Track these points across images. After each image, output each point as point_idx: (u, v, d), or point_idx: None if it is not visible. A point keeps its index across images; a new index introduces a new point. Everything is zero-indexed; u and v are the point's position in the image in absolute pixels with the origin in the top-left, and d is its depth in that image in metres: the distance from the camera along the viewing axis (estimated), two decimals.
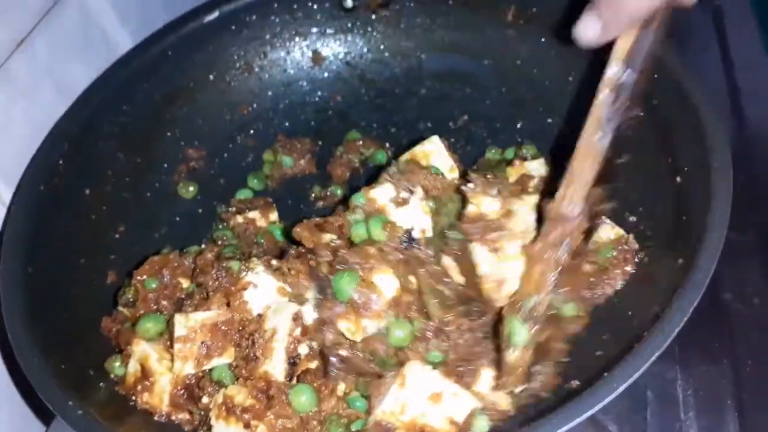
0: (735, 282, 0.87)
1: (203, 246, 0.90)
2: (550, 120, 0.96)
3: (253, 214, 0.96)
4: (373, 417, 0.67)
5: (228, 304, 0.73)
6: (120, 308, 0.82)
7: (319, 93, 1.11)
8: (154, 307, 0.80)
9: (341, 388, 0.68)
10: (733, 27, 1.17)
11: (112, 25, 1.04)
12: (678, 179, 0.75)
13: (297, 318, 0.70)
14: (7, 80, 0.84)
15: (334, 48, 1.11)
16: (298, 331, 0.69)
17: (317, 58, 1.11)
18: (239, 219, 0.96)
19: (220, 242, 0.91)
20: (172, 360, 0.71)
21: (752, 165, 0.98)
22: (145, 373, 0.71)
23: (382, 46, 1.09)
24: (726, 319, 0.85)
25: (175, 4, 1.07)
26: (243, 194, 1.02)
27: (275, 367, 0.69)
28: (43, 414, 0.89)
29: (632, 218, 0.80)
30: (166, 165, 1.00)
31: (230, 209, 0.99)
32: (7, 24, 0.86)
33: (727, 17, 1.19)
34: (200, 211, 1.00)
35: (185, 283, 0.82)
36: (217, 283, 0.74)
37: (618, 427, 0.77)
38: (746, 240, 0.91)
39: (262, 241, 0.91)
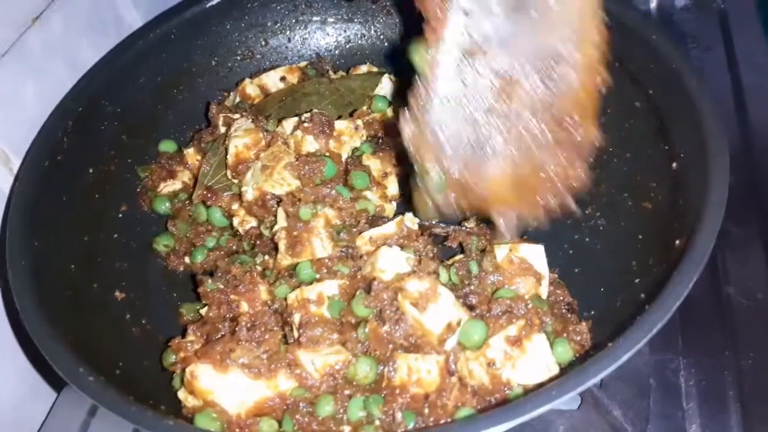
0: (738, 276, 0.94)
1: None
2: None
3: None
4: None
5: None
6: None
7: None
8: None
9: None
10: (738, 29, 1.26)
11: (126, 7, 1.12)
12: (674, 165, 0.82)
13: None
14: (21, 55, 0.91)
15: (335, 36, 1.19)
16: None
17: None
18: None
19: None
20: None
21: (755, 162, 1.06)
22: None
23: (382, 36, 1.18)
24: (729, 312, 0.92)
25: None
26: (166, 146, 1.05)
27: None
28: (53, 382, 0.96)
29: (629, 203, 0.88)
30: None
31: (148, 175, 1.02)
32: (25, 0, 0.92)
33: (732, 20, 1.28)
34: None
35: None
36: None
37: (622, 411, 0.83)
38: (749, 235, 0.98)
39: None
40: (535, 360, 0.74)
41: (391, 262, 0.80)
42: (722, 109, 1.14)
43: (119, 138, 1.01)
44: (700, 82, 0.83)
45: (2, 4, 0.88)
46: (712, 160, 0.75)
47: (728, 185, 0.73)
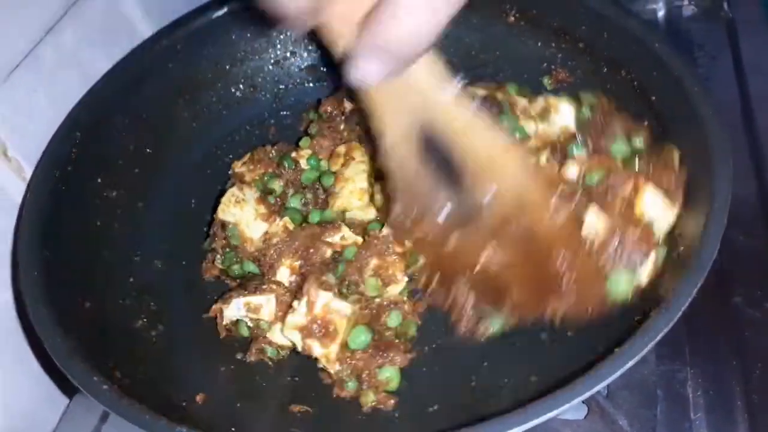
0: (745, 285, 0.96)
1: None
2: None
3: None
4: None
5: None
6: None
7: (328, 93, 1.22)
8: None
9: None
10: (745, 37, 1.27)
11: (137, 17, 1.16)
12: None
13: None
14: (35, 66, 0.94)
15: None
16: None
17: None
18: None
19: None
20: None
21: (762, 170, 1.07)
22: None
23: None
24: (736, 321, 0.94)
25: None
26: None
27: None
28: (65, 387, 0.99)
29: None
30: (176, 156, 1.10)
31: None
32: (38, 11, 0.96)
33: (740, 28, 1.29)
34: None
35: None
36: None
37: (628, 421, 0.85)
38: (757, 244, 1.00)
39: None
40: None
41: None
42: (729, 117, 1.16)
43: (127, 148, 1.04)
44: (703, 89, 0.85)
45: (16, 17, 0.92)
46: (714, 166, 0.77)
47: (731, 191, 0.75)
